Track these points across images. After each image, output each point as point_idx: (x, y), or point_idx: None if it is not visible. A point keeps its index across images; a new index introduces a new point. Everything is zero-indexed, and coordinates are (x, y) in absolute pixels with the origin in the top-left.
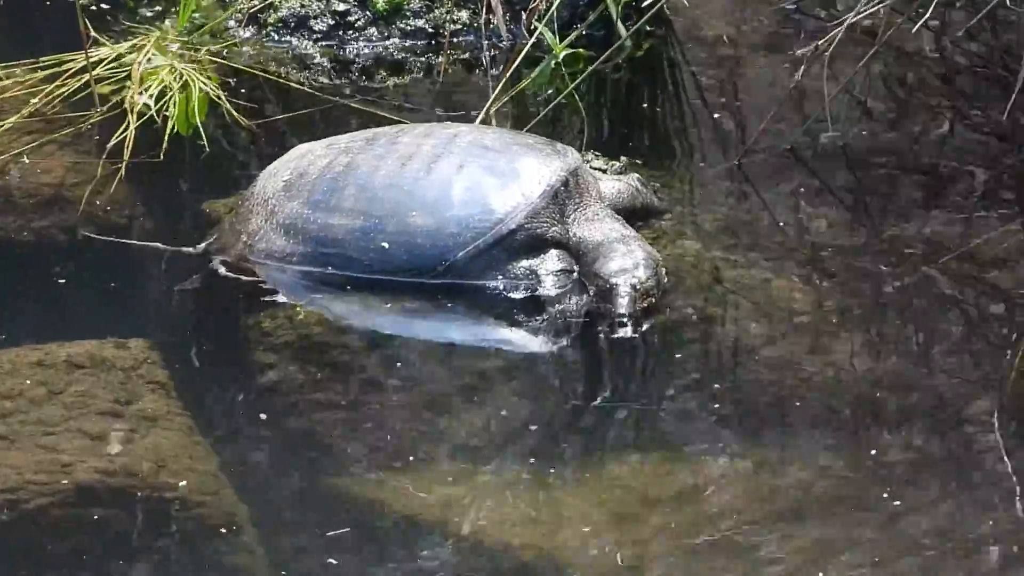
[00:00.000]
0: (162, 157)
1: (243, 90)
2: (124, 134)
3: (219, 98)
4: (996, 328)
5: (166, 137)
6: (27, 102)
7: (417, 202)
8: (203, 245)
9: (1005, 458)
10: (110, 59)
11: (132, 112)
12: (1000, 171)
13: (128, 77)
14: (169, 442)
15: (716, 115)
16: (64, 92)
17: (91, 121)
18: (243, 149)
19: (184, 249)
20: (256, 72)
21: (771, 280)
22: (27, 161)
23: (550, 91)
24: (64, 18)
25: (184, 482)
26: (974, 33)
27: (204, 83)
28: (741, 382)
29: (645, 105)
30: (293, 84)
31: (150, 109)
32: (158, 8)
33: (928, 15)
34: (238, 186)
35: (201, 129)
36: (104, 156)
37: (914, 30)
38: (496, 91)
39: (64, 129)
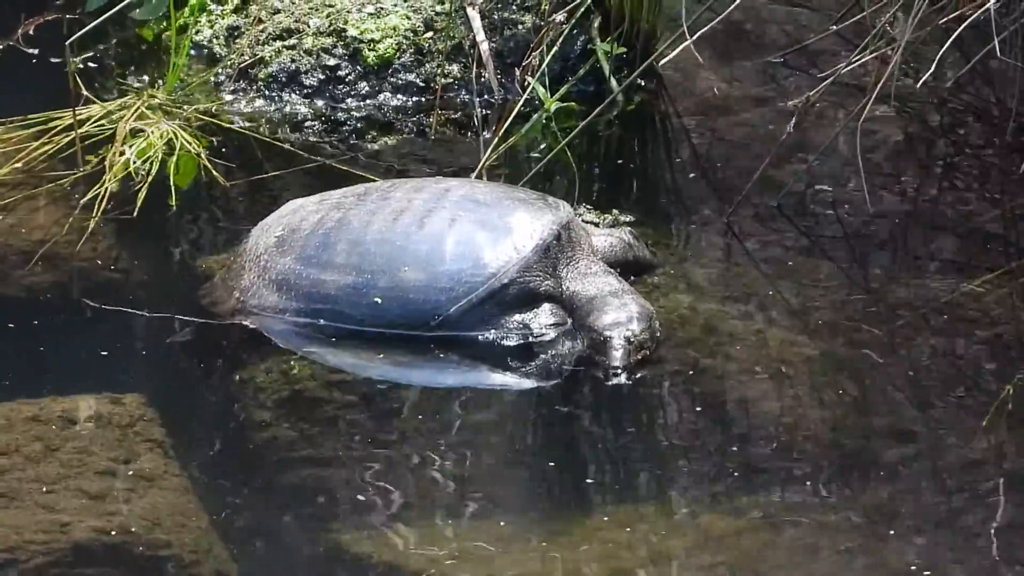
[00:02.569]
0: (135, 214)
1: (225, 149)
2: (111, 193)
3: (199, 155)
4: (987, 377)
5: (142, 194)
6: (13, 158)
7: (409, 257)
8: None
9: (1000, 507)
10: (99, 117)
11: (110, 170)
12: (991, 222)
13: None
14: (165, 501)
15: (707, 168)
16: (50, 149)
17: (75, 178)
18: (222, 207)
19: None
20: (243, 131)
21: (764, 332)
22: (12, 217)
23: (542, 146)
24: (56, 77)
25: (177, 539)
26: (963, 83)
27: (187, 141)
28: (736, 434)
29: (636, 158)
30: (280, 144)
31: (128, 167)
32: (146, 77)
33: (929, 73)
34: (222, 242)
35: (173, 188)
36: (77, 212)
37: (918, 84)
38: (489, 148)
39: (50, 185)
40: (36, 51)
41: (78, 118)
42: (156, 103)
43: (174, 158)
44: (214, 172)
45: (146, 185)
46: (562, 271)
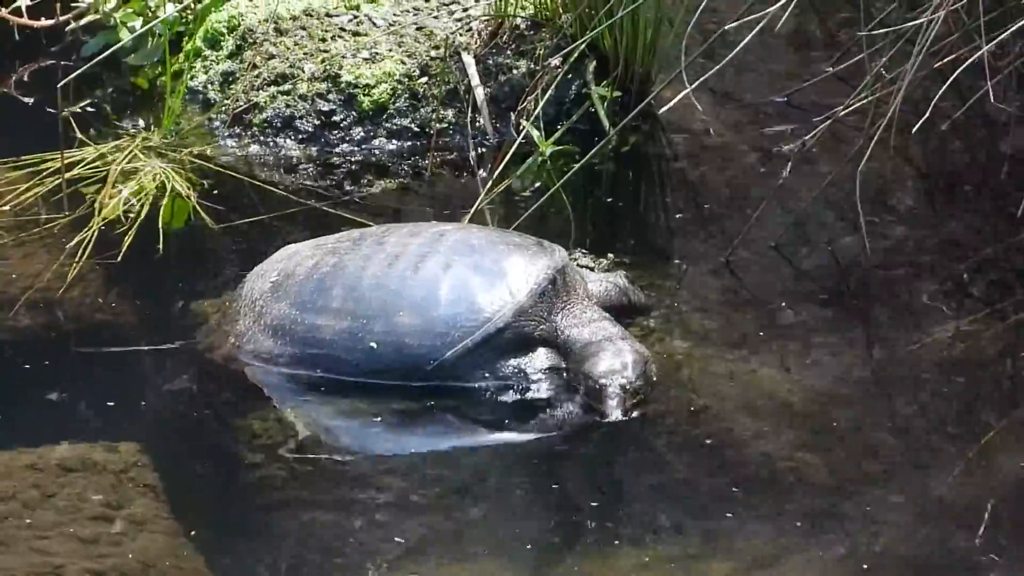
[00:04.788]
0: (120, 259)
1: (216, 192)
2: (100, 236)
3: (189, 198)
4: (982, 418)
5: (132, 238)
6: (2, 200)
7: (404, 302)
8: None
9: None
10: (91, 159)
11: (98, 213)
12: (984, 263)
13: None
14: (157, 544)
15: (703, 210)
16: (40, 191)
17: (64, 221)
18: (215, 252)
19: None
20: (237, 175)
21: (759, 374)
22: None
23: (537, 184)
24: (51, 123)
25: None
26: (959, 126)
27: (179, 184)
28: (732, 477)
29: (632, 200)
30: (274, 188)
31: (118, 210)
32: (140, 121)
33: (923, 119)
34: (214, 286)
35: (161, 232)
36: (64, 256)
37: (914, 129)
38: (483, 192)
39: (38, 229)
40: (31, 99)
41: (71, 160)
42: (150, 146)
43: (165, 201)
44: (204, 216)
45: (135, 228)
46: (557, 316)
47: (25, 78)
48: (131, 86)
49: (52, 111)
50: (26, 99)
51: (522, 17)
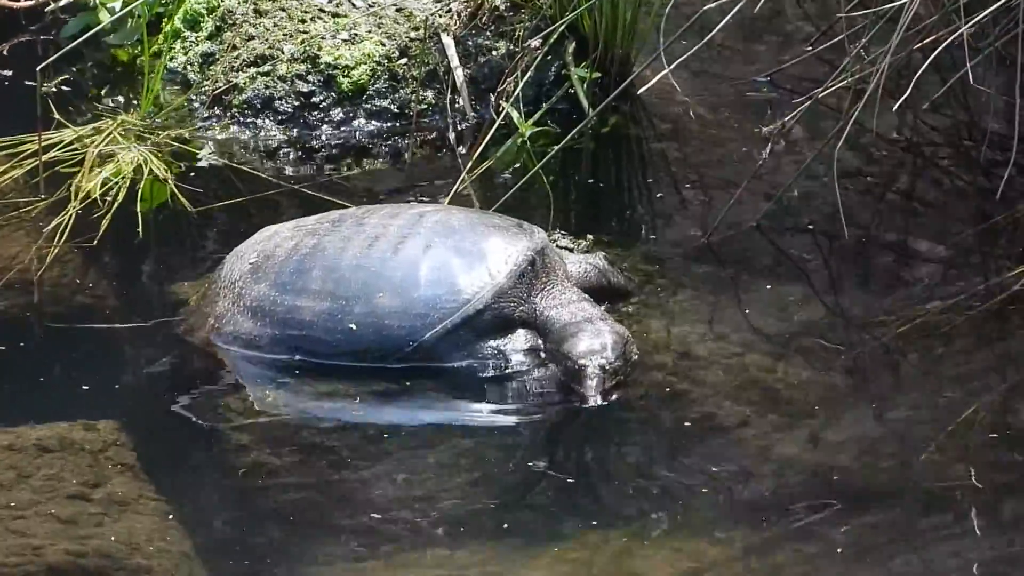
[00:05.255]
0: (96, 242)
1: (197, 175)
2: (77, 219)
3: (166, 181)
4: (963, 398)
5: (109, 221)
6: None
7: (384, 283)
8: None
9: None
10: (70, 141)
11: (76, 196)
12: (964, 244)
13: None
14: (142, 525)
15: (684, 192)
16: (18, 174)
17: (41, 205)
18: (193, 234)
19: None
20: (216, 157)
21: (741, 356)
22: None
23: (516, 166)
24: (29, 100)
25: (158, 564)
26: (939, 105)
27: (157, 167)
28: (711, 459)
29: (612, 182)
30: (254, 171)
31: (95, 193)
32: (120, 98)
33: (904, 97)
34: (193, 268)
35: (140, 216)
36: (43, 239)
37: (894, 108)
38: (464, 171)
39: (14, 212)
40: (10, 72)
41: (50, 142)
42: (129, 128)
43: (142, 184)
44: (182, 198)
45: (113, 212)
46: (536, 297)
47: (5, 53)
48: (111, 61)
49: (31, 85)
50: (5, 72)
51: None
